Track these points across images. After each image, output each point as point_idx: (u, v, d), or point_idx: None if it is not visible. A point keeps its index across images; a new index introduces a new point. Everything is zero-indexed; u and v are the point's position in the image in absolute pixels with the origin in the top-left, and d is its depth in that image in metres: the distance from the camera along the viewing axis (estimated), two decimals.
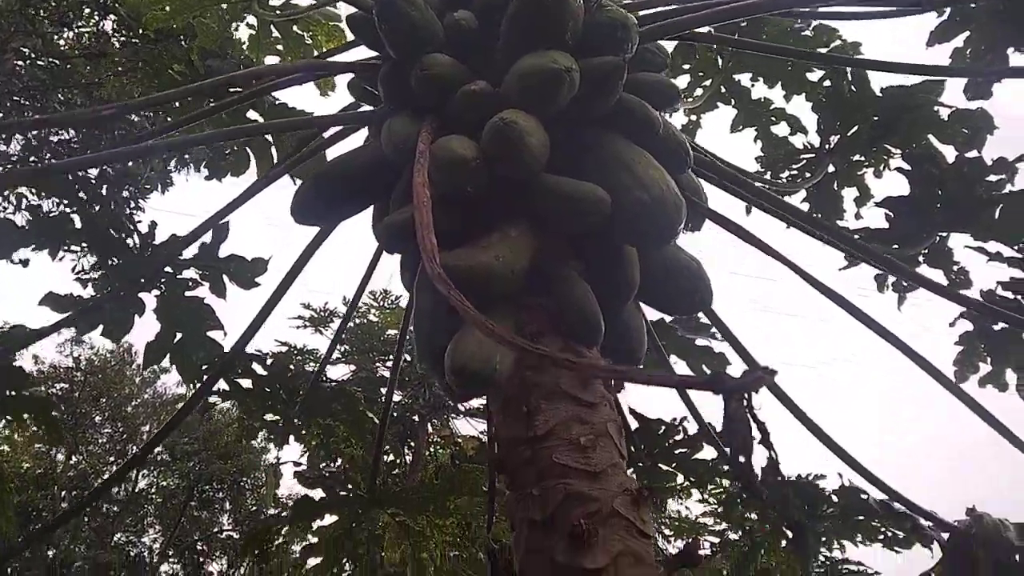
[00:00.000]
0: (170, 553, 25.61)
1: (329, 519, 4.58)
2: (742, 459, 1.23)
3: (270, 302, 3.96)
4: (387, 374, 15.66)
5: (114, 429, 24.20)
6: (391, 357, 15.55)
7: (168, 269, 4.40)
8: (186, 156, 13.92)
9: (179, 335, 4.49)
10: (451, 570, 14.67)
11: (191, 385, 4.82)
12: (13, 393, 3.62)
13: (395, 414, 14.99)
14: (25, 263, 8.51)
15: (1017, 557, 3.73)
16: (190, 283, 4.44)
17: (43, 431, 3.73)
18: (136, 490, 24.94)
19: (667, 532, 20.63)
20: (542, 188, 2.42)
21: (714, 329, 4.78)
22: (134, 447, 24.24)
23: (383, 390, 4.94)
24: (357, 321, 16.20)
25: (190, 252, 4.35)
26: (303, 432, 5.33)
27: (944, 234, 4.59)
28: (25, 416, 3.71)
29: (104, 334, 4.37)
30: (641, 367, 2.91)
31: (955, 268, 4.37)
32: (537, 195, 2.43)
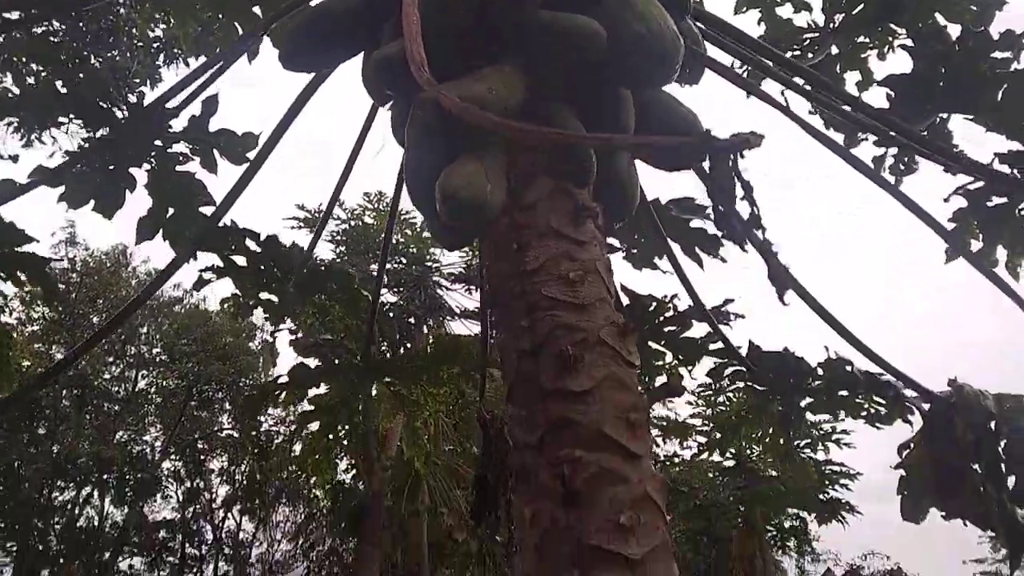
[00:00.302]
0: (171, 451, 26.28)
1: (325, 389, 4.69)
2: (722, 208, 1.23)
3: (260, 155, 3.92)
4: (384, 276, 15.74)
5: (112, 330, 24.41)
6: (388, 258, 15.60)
7: (158, 143, 4.35)
8: (175, 50, 13.59)
9: (171, 210, 4.47)
10: (447, 464, 15.09)
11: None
12: (7, 251, 3.62)
13: (391, 315, 15.14)
14: (15, 159, 8.40)
15: (993, 425, 3.85)
16: (180, 158, 4.40)
17: (38, 290, 3.74)
18: (136, 390, 25.41)
19: (656, 434, 21.21)
20: (537, 23, 2.36)
21: (709, 210, 4.78)
22: (132, 347, 24.55)
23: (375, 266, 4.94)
24: (352, 224, 16.16)
25: (179, 125, 4.30)
26: (297, 312, 5.39)
27: (945, 116, 4.54)
28: (19, 274, 3.72)
29: (96, 209, 4.34)
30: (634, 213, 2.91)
31: (954, 151, 4.34)
32: (532, 31, 2.38)
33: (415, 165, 2.39)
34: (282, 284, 5.18)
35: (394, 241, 15.62)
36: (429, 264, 15.68)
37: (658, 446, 21.01)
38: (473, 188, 2.09)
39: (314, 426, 4.75)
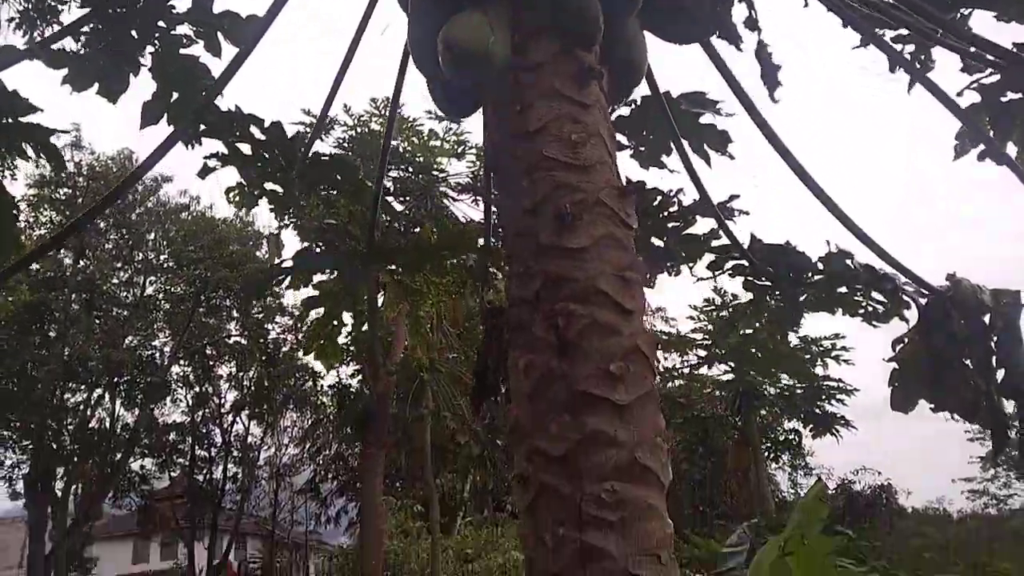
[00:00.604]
0: (180, 356, 26.74)
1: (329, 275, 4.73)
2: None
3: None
4: (389, 184, 15.64)
5: (119, 235, 24.50)
6: (392, 166, 15.47)
7: (161, 24, 4.29)
8: None
9: (175, 94, 4.44)
10: (450, 371, 15.34)
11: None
12: (10, 120, 3.61)
13: (399, 226, 15.13)
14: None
15: (987, 319, 3.89)
16: (184, 40, 4.35)
17: (45, 160, 3.74)
18: (144, 296, 25.66)
19: (657, 347, 21.53)
20: None
21: (720, 104, 4.72)
22: (140, 253, 24.68)
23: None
24: (359, 131, 15.97)
25: (183, 6, 4.23)
26: (303, 205, 5.40)
27: (966, 11, 4.43)
28: (24, 146, 3.72)
29: (100, 93, 4.32)
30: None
31: (971, 50, 4.24)
32: None
33: (419, 25, 2.36)
34: (286, 174, 5.17)
35: (400, 149, 15.48)
36: (436, 173, 15.57)
37: (658, 361, 21.33)
38: (476, 37, 2.08)
39: (318, 313, 4.82)
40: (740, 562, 6.29)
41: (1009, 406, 3.91)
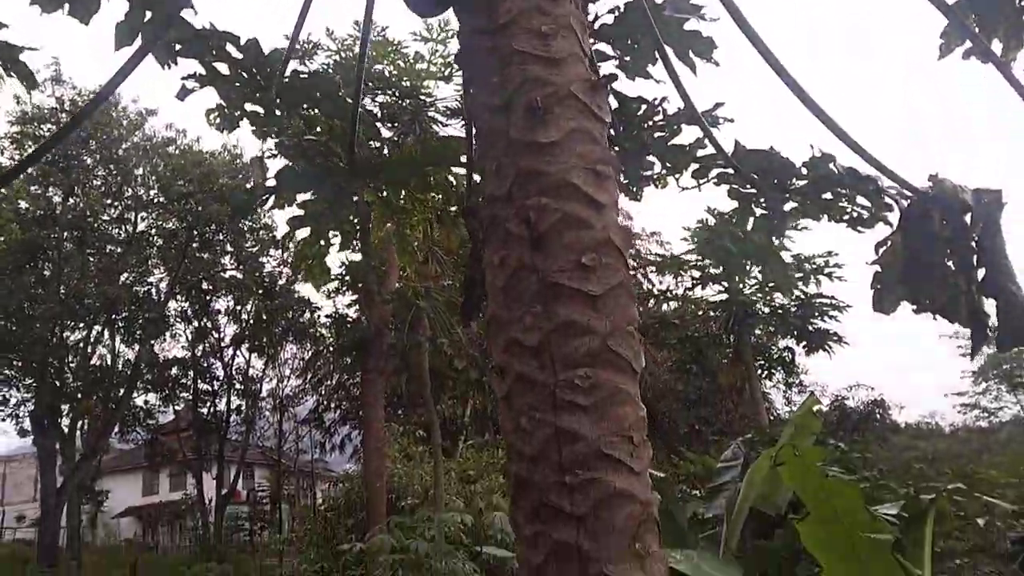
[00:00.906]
0: (176, 291, 26.81)
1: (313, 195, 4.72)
2: None
3: None
4: (376, 110, 15.42)
5: (107, 172, 24.25)
6: (378, 91, 15.22)
7: None
8: None
9: (148, 14, 4.34)
10: (446, 299, 15.38)
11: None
12: None
13: (388, 153, 14.90)
14: None
15: (968, 218, 3.90)
16: None
17: (17, 78, 3.69)
18: (136, 232, 25.56)
19: (652, 269, 21.59)
20: None
21: (704, 9, 4.63)
22: (129, 189, 24.48)
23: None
24: (343, 55, 15.64)
25: None
26: (286, 126, 5.34)
27: None
28: None
29: (71, 13, 4.22)
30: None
31: None
32: None
33: None
34: (266, 93, 5.11)
35: (386, 73, 15.18)
36: (423, 98, 15.30)
37: (652, 284, 21.49)
38: None
39: (305, 233, 4.82)
40: (735, 475, 6.44)
41: (990, 305, 3.95)
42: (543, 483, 1.92)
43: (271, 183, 4.58)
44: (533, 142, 2.15)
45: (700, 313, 19.22)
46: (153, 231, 26.02)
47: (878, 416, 29.55)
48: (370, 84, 14.80)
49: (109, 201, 24.62)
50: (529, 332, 2.04)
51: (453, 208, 5.56)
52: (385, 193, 4.82)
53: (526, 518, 1.96)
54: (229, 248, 26.76)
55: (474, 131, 2.63)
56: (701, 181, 4.60)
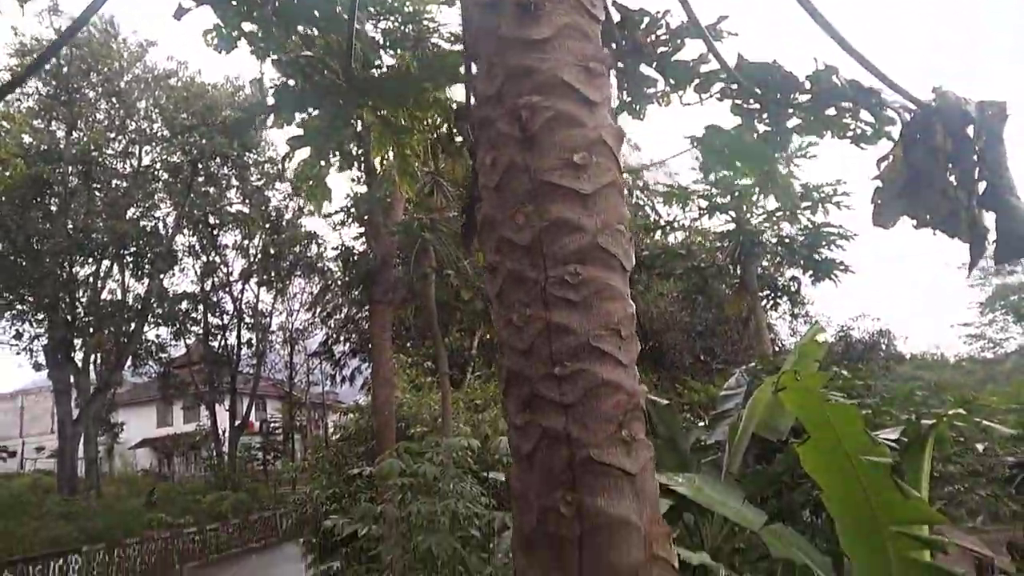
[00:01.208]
0: (184, 226, 26.88)
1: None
2: None
3: None
4: (379, 37, 15.11)
5: (110, 105, 24.05)
6: (380, 17, 14.89)
7: None
8: None
9: None
10: (451, 231, 15.33)
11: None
12: None
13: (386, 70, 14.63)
14: None
15: (971, 130, 3.86)
16: None
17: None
18: (141, 166, 25.49)
19: (659, 200, 21.43)
20: None
21: None
22: (132, 123, 24.31)
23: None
24: None
25: None
26: (284, 45, 5.26)
27: None
28: None
29: None
30: None
31: None
32: None
33: None
34: (262, 11, 5.03)
35: None
36: (427, 23, 14.97)
37: (659, 215, 21.39)
38: None
39: (303, 154, 4.81)
40: (738, 403, 6.48)
41: (989, 219, 3.93)
42: (534, 375, 1.97)
43: (269, 101, 4.54)
44: (524, 39, 2.13)
45: (707, 244, 19.20)
46: (158, 165, 25.95)
47: (883, 346, 29.71)
48: (371, 10, 14.47)
49: (113, 135, 24.50)
50: (520, 231, 2.06)
51: (459, 139, 5.53)
52: (384, 112, 4.78)
53: (517, 409, 2.02)
54: (235, 182, 26.71)
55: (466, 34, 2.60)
56: (704, 96, 4.53)
